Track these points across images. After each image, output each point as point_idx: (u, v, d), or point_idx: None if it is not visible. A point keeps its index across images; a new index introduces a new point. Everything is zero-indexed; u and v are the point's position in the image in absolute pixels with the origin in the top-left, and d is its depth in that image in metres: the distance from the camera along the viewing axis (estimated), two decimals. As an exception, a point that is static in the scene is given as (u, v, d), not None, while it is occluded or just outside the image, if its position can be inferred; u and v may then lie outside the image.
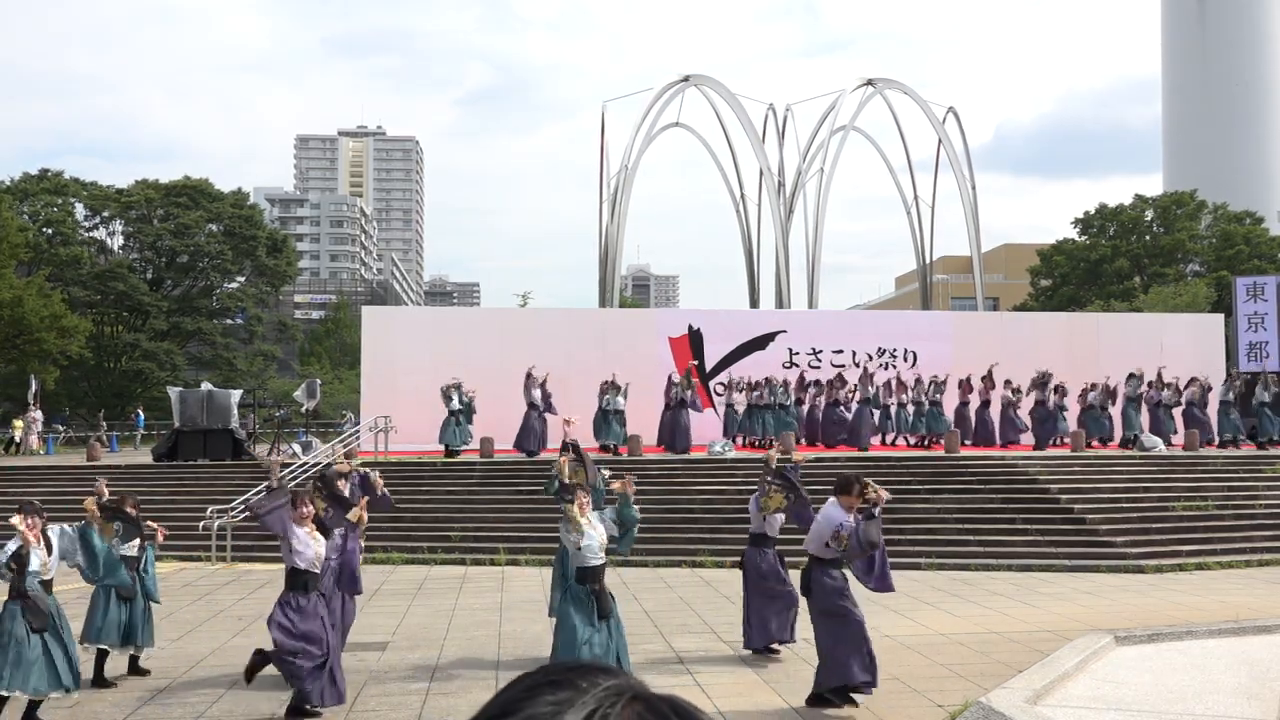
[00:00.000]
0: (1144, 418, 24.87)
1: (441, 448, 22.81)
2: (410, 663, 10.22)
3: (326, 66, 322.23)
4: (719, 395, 26.88)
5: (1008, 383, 25.26)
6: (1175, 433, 24.49)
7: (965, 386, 25.28)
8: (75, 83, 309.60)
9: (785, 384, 25.30)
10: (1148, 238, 56.73)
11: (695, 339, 27.92)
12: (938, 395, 24.92)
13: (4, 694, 8.05)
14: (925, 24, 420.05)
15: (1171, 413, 24.84)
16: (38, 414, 34.51)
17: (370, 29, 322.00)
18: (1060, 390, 24.95)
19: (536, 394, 22.63)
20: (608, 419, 22.67)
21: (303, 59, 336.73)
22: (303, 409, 32.87)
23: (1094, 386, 25.00)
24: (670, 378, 24.25)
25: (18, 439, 33.72)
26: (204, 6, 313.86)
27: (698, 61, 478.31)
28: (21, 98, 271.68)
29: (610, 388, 22.90)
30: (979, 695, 8.20)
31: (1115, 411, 25.13)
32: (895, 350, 28.58)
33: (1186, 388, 25.13)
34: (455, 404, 22.74)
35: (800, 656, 10.02)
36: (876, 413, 24.31)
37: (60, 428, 37.26)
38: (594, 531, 8.60)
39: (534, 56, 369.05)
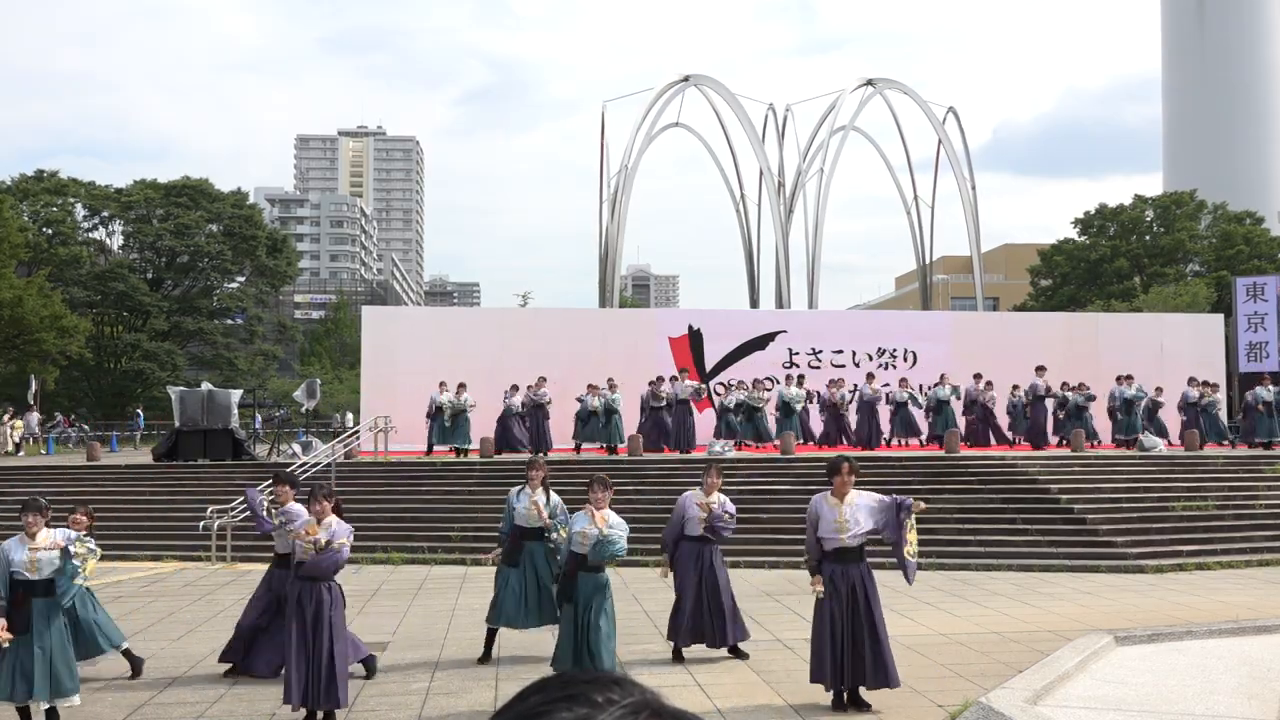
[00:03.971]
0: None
1: (448, 450, 22.99)
2: (410, 663, 10.22)
3: (323, 66, 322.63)
4: (718, 396, 26.88)
5: (1015, 387, 25.28)
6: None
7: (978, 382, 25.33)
8: (69, 81, 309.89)
9: (786, 381, 25.35)
10: (1148, 238, 56.74)
11: (695, 339, 27.92)
12: (939, 395, 24.96)
13: None
14: (922, 23, 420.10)
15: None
16: (33, 416, 34.29)
17: (364, 27, 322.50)
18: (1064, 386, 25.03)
19: (544, 393, 22.93)
20: (587, 420, 22.90)
21: (299, 58, 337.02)
22: (303, 409, 32.90)
23: (1079, 386, 25.00)
24: (669, 379, 24.31)
25: (16, 439, 33.70)
26: (196, 5, 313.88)
27: (697, 61, 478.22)
28: (15, 96, 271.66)
29: (591, 389, 23.13)
30: (979, 695, 8.20)
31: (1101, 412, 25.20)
32: (895, 350, 28.59)
33: (1187, 387, 25.11)
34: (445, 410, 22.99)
35: (800, 656, 10.01)
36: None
37: (57, 419, 37.08)
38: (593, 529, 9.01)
39: (531, 55, 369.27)
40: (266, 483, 13.60)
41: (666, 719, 0.94)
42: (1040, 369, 25.08)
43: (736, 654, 10.22)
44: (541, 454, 22.22)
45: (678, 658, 10.19)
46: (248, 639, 9.84)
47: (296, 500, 10.04)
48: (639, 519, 18.32)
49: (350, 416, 37.57)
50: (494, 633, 10.36)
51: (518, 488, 10.39)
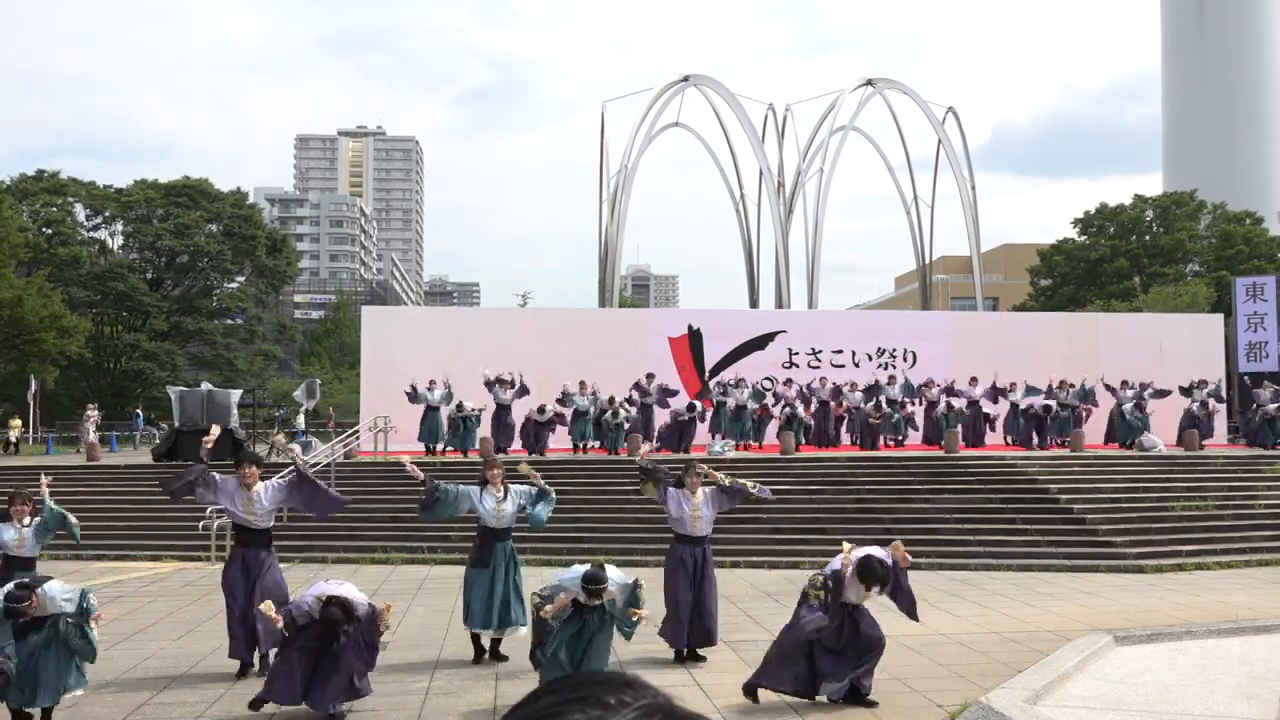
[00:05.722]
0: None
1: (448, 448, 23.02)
2: (410, 663, 10.21)
3: (323, 66, 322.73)
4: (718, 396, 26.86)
5: (1013, 385, 25.24)
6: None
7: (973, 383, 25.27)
8: (70, 81, 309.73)
9: (788, 383, 25.31)
10: (1147, 238, 56.74)
11: (695, 339, 27.92)
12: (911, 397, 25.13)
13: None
14: (922, 23, 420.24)
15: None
16: (94, 412, 33.52)
17: (364, 27, 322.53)
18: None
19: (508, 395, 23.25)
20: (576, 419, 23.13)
21: (299, 58, 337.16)
22: (302, 409, 32.92)
23: (1062, 385, 24.91)
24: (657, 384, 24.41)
25: (14, 439, 33.61)
26: (196, 5, 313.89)
27: (697, 60, 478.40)
28: (15, 96, 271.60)
29: (580, 387, 23.16)
30: (979, 695, 8.20)
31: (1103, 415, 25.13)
32: (895, 350, 28.58)
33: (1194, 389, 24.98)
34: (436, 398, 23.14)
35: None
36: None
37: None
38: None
39: (531, 55, 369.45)
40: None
41: None
42: (974, 380, 25.01)
43: (695, 657, 10.19)
44: (538, 454, 22.25)
45: (678, 658, 10.20)
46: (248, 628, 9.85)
47: None
48: (638, 518, 18.33)
49: (302, 419, 37.32)
50: (478, 634, 10.34)
51: (479, 488, 10.34)
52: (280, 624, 7.96)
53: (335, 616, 7.99)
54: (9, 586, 7.85)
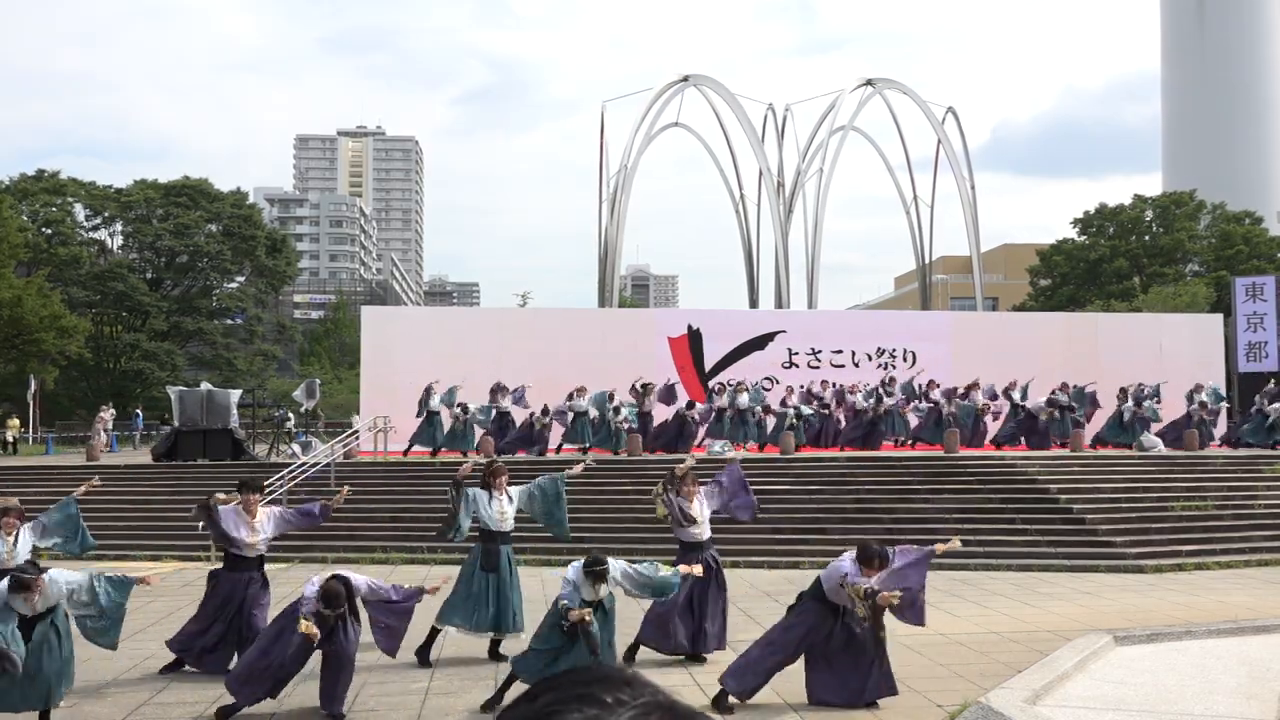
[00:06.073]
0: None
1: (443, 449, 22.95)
2: (410, 662, 10.21)
3: (323, 66, 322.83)
4: (716, 395, 26.86)
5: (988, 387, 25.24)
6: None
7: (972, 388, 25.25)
8: (69, 81, 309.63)
9: (790, 389, 25.30)
10: (1147, 238, 56.75)
11: (694, 339, 27.92)
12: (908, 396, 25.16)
13: None
14: (922, 23, 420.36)
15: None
16: (108, 414, 33.12)
17: (364, 27, 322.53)
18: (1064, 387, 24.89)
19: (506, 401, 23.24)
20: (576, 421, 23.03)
21: (299, 58, 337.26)
22: (301, 409, 32.89)
23: (1062, 387, 24.86)
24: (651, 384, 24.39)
25: (12, 439, 33.57)
26: (196, 5, 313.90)
27: (697, 61, 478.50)
28: (15, 96, 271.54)
29: (578, 392, 23.13)
30: (979, 695, 8.20)
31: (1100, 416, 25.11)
32: (895, 350, 28.58)
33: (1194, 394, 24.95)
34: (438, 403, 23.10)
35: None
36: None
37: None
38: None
39: (531, 55, 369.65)
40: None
41: (679, 718, 0.93)
42: (975, 383, 25.02)
43: (696, 658, 10.20)
44: (537, 454, 22.25)
45: (631, 651, 10.30)
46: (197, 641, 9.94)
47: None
48: (639, 518, 18.33)
49: (292, 418, 37.36)
50: (438, 632, 10.36)
51: (485, 493, 10.37)
52: (314, 633, 8.00)
53: (335, 589, 8.17)
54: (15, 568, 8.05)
